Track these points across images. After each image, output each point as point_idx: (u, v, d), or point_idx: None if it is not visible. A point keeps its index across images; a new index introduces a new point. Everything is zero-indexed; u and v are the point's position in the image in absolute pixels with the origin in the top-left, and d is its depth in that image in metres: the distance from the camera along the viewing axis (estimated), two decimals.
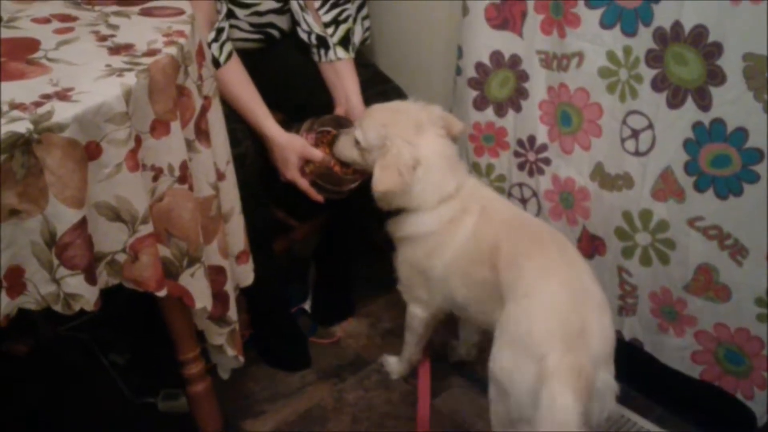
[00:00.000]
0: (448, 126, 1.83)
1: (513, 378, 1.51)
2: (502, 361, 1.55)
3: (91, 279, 1.26)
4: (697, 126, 1.65)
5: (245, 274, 1.77)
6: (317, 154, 1.90)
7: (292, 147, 1.89)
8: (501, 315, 1.60)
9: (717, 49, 1.57)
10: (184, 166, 1.38)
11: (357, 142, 1.82)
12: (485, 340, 1.62)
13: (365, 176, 1.89)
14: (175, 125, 1.34)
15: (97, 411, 2.01)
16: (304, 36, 2.09)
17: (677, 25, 1.61)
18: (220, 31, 1.87)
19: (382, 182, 1.72)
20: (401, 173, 1.71)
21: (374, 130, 1.78)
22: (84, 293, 1.26)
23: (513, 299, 1.58)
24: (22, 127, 1.12)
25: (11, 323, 1.23)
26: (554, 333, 1.49)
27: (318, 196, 1.93)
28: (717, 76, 1.58)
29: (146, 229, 1.31)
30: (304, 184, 1.92)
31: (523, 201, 2.13)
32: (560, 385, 1.40)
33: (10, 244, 1.17)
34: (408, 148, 1.73)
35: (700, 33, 1.58)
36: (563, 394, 1.39)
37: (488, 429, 1.65)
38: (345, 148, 1.87)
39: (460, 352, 2.15)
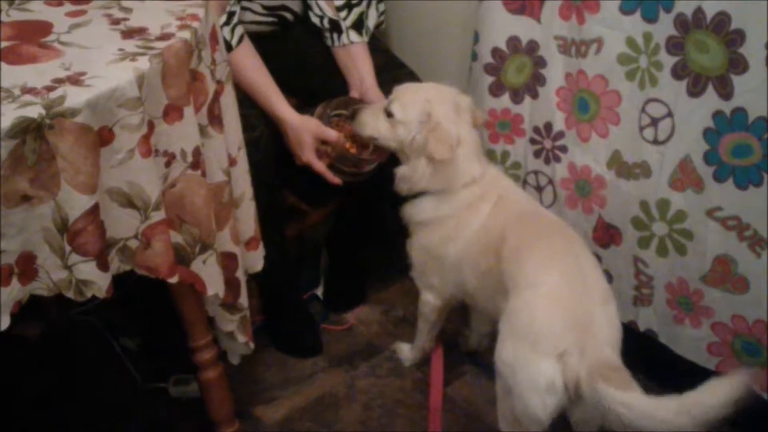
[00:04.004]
0: (474, 117, 1.83)
1: (515, 371, 1.50)
2: (504, 354, 1.53)
3: (103, 265, 1.26)
4: (717, 115, 1.63)
5: (255, 260, 1.75)
6: (332, 133, 1.88)
7: (307, 128, 1.88)
8: (505, 307, 1.59)
9: (739, 36, 1.54)
10: (197, 152, 1.36)
11: (389, 115, 1.79)
12: (497, 330, 1.61)
13: (383, 157, 1.87)
14: (188, 110, 1.33)
15: (107, 395, 2.01)
16: (316, 20, 2.07)
17: (699, 12, 1.58)
18: (231, 14, 1.86)
19: (440, 152, 1.71)
20: (452, 148, 1.71)
21: (418, 105, 1.76)
22: (96, 280, 1.25)
23: (515, 291, 1.57)
24: (34, 112, 1.10)
25: (23, 308, 1.23)
26: (559, 327, 1.48)
27: (335, 179, 1.91)
28: (739, 65, 1.56)
29: (158, 215, 1.30)
30: (320, 166, 1.90)
31: (539, 189, 2.11)
32: (608, 386, 1.38)
33: (21, 230, 1.16)
34: (453, 126, 1.74)
35: (722, 20, 1.55)
36: (620, 394, 1.37)
37: None
38: (369, 121, 1.83)
39: (471, 341, 2.14)
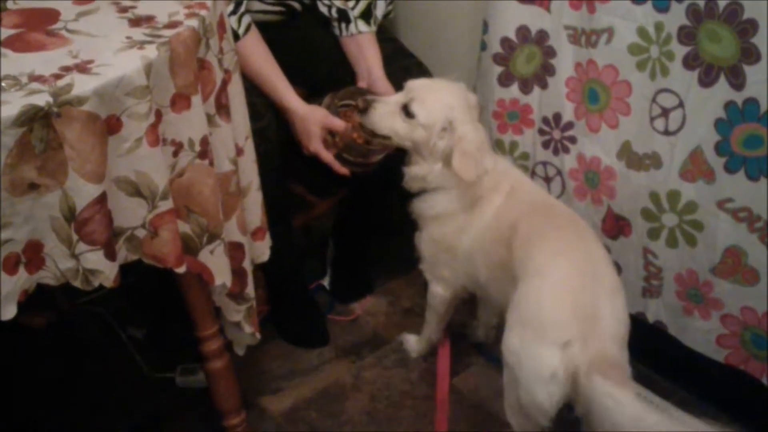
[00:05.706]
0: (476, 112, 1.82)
1: (521, 360, 1.49)
2: (511, 343, 1.53)
3: (111, 255, 1.25)
4: (729, 105, 1.61)
5: (261, 250, 1.75)
6: (339, 123, 1.87)
7: (314, 118, 1.87)
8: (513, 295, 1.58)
9: (752, 26, 1.52)
10: (204, 141, 1.36)
11: (409, 115, 1.76)
12: (504, 322, 1.60)
13: (391, 148, 1.85)
14: (196, 99, 1.32)
15: (114, 385, 2.02)
16: (324, 10, 2.06)
17: (711, 1, 1.57)
18: (238, 3, 1.85)
19: (467, 171, 1.69)
20: (477, 160, 1.70)
21: (441, 110, 1.74)
22: (103, 269, 1.25)
23: (524, 279, 1.57)
24: (42, 100, 1.10)
25: (30, 297, 1.22)
26: (566, 317, 1.47)
27: (343, 169, 1.90)
28: (751, 54, 1.54)
29: (166, 204, 1.30)
30: (327, 156, 1.88)
31: (547, 180, 2.09)
32: (604, 380, 1.37)
33: (28, 218, 1.16)
34: (475, 133, 1.72)
35: (734, 10, 1.54)
36: (612, 389, 1.37)
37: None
38: (385, 120, 1.78)
39: (478, 333, 2.14)
